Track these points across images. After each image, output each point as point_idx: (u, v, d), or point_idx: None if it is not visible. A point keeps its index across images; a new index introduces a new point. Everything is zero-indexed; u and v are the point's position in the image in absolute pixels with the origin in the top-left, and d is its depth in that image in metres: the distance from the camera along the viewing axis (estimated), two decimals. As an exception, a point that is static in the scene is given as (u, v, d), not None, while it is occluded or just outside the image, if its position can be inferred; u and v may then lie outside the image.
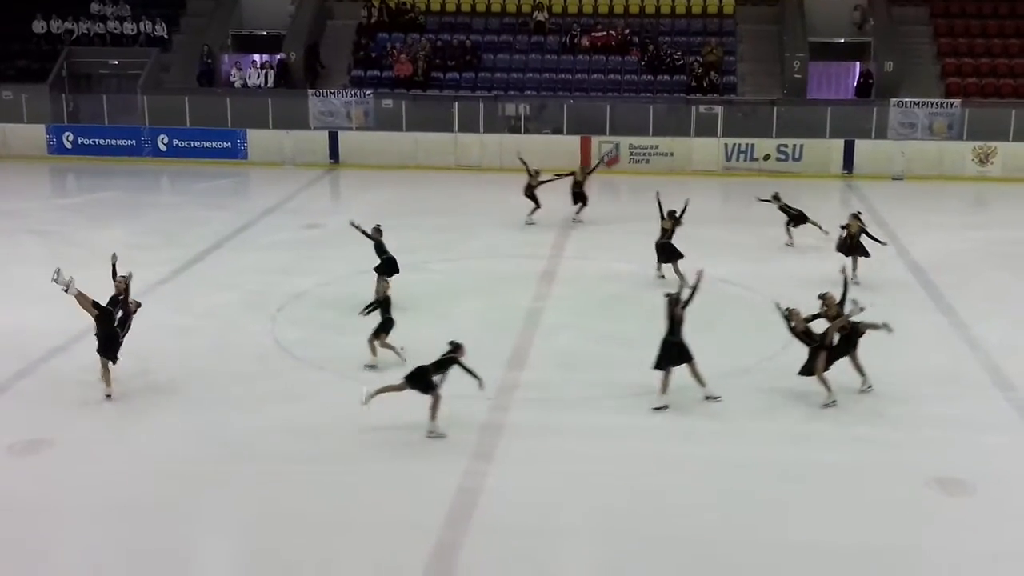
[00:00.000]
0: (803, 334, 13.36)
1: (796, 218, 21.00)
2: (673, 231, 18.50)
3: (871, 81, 31.10)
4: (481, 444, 12.31)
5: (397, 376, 12.59)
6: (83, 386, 13.74)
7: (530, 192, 22.90)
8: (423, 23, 34.33)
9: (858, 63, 31.97)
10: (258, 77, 32.89)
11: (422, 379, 12.22)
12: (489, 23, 34.46)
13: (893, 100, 29.78)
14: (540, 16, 33.85)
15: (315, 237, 22.26)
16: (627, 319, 16.92)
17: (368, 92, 31.37)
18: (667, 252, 18.45)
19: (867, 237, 18.60)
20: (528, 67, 32.85)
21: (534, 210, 22.90)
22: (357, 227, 17.27)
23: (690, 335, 13.27)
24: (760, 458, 12.05)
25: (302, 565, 9.99)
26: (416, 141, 30.42)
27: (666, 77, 31.97)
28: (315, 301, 17.76)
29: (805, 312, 13.55)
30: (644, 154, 29.84)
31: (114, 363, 13.47)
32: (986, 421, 13.11)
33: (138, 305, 13.83)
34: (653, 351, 13.17)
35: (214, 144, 31.09)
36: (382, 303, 14.48)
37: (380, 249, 17.11)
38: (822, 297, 13.69)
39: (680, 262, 18.10)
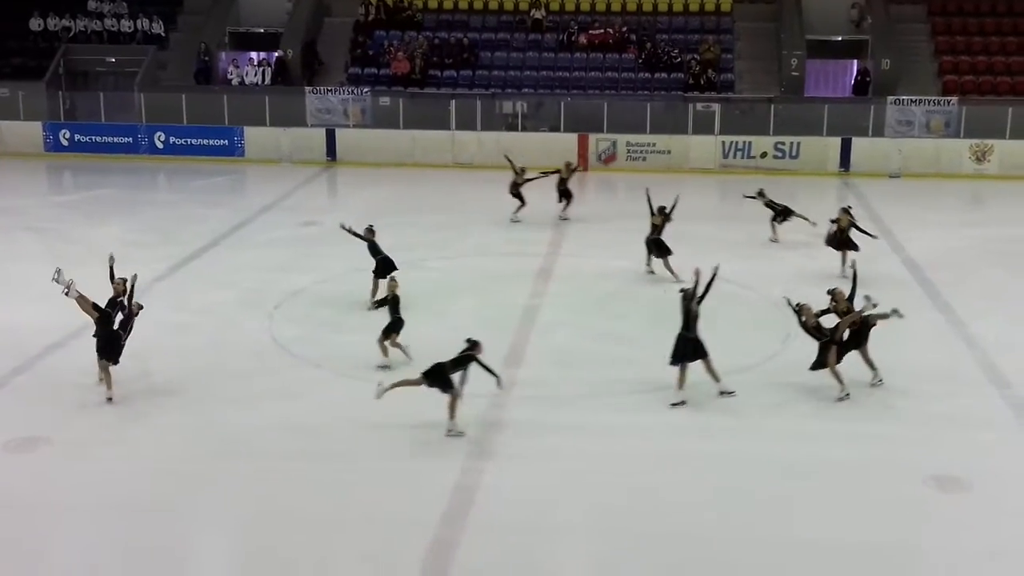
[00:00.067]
0: (814, 329, 13.34)
1: (782, 213, 20.99)
2: (663, 227, 18.51)
3: (868, 79, 31.10)
4: (478, 442, 12.29)
5: (407, 375, 12.56)
6: (80, 383, 13.71)
7: (515, 190, 22.92)
8: (420, 21, 34.29)
9: (855, 61, 31.98)
10: (255, 75, 32.84)
11: (441, 377, 12.12)
12: (486, 21, 34.44)
13: (890, 98, 29.77)
14: (537, 14, 33.81)
15: (312, 235, 22.24)
16: (624, 316, 16.92)
17: (365, 90, 31.34)
18: (657, 248, 18.48)
19: (857, 231, 18.64)
20: (525, 65, 32.83)
21: (519, 208, 22.94)
22: (348, 229, 17.11)
23: (690, 333, 13.27)
24: (762, 454, 12.03)
25: (299, 562, 9.98)
26: (413, 139, 30.40)
27: (663, 75, 31.95)
28: (312, 299, 17.74)
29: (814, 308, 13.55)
30: (641, 152, 29.83)
31: (115, 364, 13.37)
32: (982, 418, 13.13)
33: (140, 307, 13.53)
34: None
35: (211, 142, 31.00)
36: (391, 301, 14.37)
37: (374, 250, 17.02)
38: (831, 292, 13.72)
39: (670, 258, 18.10)
